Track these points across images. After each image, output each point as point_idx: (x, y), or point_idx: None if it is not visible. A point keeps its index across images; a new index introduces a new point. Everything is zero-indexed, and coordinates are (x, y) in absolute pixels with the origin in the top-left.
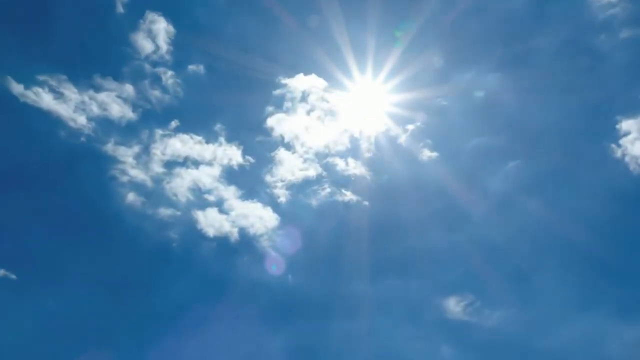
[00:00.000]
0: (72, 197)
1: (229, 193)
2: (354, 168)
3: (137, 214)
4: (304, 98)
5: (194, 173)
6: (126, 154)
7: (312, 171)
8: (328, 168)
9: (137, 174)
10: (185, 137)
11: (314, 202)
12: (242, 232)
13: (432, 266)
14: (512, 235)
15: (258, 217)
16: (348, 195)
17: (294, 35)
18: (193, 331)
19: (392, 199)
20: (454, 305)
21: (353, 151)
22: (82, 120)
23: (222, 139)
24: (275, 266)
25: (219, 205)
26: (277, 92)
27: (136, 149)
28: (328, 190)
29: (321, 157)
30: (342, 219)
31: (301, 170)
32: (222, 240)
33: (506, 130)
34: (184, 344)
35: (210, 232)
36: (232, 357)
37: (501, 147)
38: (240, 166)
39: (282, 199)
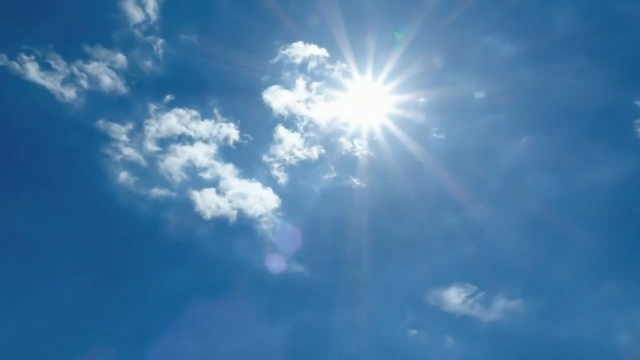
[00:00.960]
0: (60, 177)
1: (226, 172)
2: (359, 149)
3: (130, 194)
4: (303, 68)
5: (189, 150)
6: (119, 131)
7: (315, 151)
8: (331, 148)
9: (130, 152)
10: (181, 111)
11: (316, 185)
12: (241, 213)
13: (436, 252)
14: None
15: (258, 198)
16: (353, 180)
17: (294, 35)
18: (189, 319)
19: (393, 186)
20: (456, 295)
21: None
22: (71, 94)
23: (217, 114)
24: (275, 264)
25: (216, 184)
26: (276, 60)
27: (130, 125)
28: (331, 173)
29: (324, 136)
30: (345, 203)
31: (302, 150)
32: (219, 222)
33: (517, 110)
34: (179, 332)
35: (208, 214)
36: (230, 344)
37: (513, 124)
38: (237, 143)
39: (282, 180)
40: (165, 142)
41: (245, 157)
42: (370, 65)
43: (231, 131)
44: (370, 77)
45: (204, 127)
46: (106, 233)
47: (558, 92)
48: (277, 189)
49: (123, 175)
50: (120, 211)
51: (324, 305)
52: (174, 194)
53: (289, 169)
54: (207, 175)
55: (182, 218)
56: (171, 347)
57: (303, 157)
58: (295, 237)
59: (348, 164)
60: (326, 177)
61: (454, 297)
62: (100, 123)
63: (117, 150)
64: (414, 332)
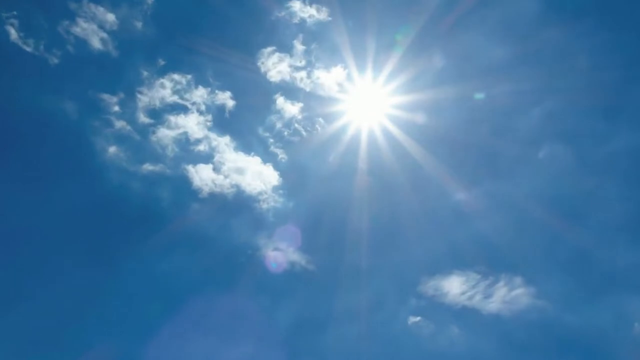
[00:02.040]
0: (45, 153)
1: (222, 144)
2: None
3: (121, 170)
4: (301, 29)
5: (183, 121)
6: (110, 101)
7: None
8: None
9: (122, 124)
10: (175, 76)
11: (317, 162)
12: (238, 190)
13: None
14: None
15: (257, 173)
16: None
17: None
18: (183, 303)
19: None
20: (459, 284)
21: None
22: (55, 60)
23: (212, 80)
24: (275, 264)
25: (211, 157)
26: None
27: (121, 94)
28: (334, 150)
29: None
30: (347, 184)
31: (302, 122)
32: (216, 200)
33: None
34: (173, 315)
35: (204, 191)
36: (227, 327)
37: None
38: (233, 113)
39: (283, 156)
40: (158, 113)
41: (243, 129)
42: (370, 67)
43: (227, 100)
44: (370, 78)
45: (199, 95)
46: (95, 212)
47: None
48: (277, 165)
49: (113, 150)
50: (110, 188)
51: (324, 289)
52: (167, 170)
53: (289, 144)
54: (202, 148)
55: (177, 195)
56: (165, 329)
57: (304, 132)
58: (296, 217)
59: (352, 145)
60: (329, 154)
61: (456, 285)
62: (89, 93)
63: (108, 122)
64: (417, 319)
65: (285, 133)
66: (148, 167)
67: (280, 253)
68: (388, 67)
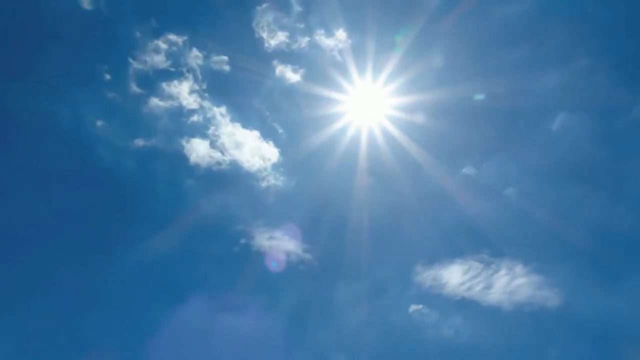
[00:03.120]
0: (31, 127)
1: (218, 115)
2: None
3: (111, 145)
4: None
5: (177, 90)
6: (101, 68)
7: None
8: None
9: (112, 95)
10: (170, 37)
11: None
12: (236, 166)
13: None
14: None
15: (256, 148)
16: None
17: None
18: (177, 285)
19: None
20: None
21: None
22: (39, 20)
23: (208, 42)
24: (275, 263)
25: (206, 129)
26: None
27: (112, 59)
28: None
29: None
30: (351, 165)
31: (303, 88)
32: (211, 176)
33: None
34: (166, 297)
35: (199, 166)
36: (222, 312)
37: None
38: (228, 79)
39: (283, 131)
40: (151, 80)
41: (240, 98)
42: (370, 68)
43: (223, 65)
44: (370, 79)
45: (193, 59)
46: (85, 189)
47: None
48: (277, 140)
49: (102, 124)
50: (100, 165)
51: (324, 276)
52: (160, 145)
53: (288, 118)
54: (196, 119)
55: (171, 172)
56: (159, 311)
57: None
58: (295, 198)
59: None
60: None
61: (457, 274)
62: (78, 58)
63: (96, 92)
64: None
65: (285, 105)
66: (139, 142)
67: (277, 242)
68: (388, 68)
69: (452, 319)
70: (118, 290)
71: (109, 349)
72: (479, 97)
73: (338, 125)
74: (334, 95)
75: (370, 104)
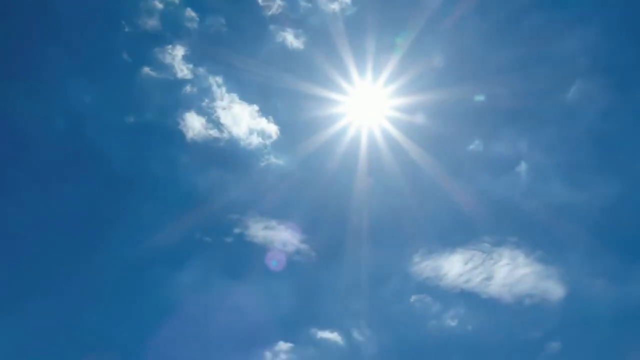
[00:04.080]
0: (15, 101)
1: (215, 86)
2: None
3: (101, 121)
4: None
5: (169, 57)
6: (89, 34)
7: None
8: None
9: (101, 64)
10: None
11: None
12: (232, 142)
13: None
14: None
15: (255, 123)
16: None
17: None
18: (171, 267)
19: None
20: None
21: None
22: None
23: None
24: (275, 262)
25: (201, 102)
26: None
27: (101, 22)
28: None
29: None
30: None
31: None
32: (205, 153)
33: None
34: (161, 280)
35: (195, 144)
36: (217, 297)
37: None
38: (225, 44)
39: (282, 106)
40: (141, 44)
41: (237, 67)
42: (370, 68)
43: (220, 27)
44: (370, 79)
45: (188, 21)
46: (70, 168)
47: None
48: (277, 117)
49: (91, 98)
50: (88, 143)
51: (324, 263)
52: (152, 119)
53: (289, 90)
54: (191, 90)
55: (163, 150)
56: (153, 294)
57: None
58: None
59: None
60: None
61: (457, 264)
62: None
63: (79, 62)
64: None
65: (286, 77)
66: (130, 117)
67: (274, 232)
68: (388, 69)
69: (452, 310)
70: (105, 275)
71: (93, 333)
72: (479, 97)
73: (338, 126)
74: (334, 95)
75: (371, 104)
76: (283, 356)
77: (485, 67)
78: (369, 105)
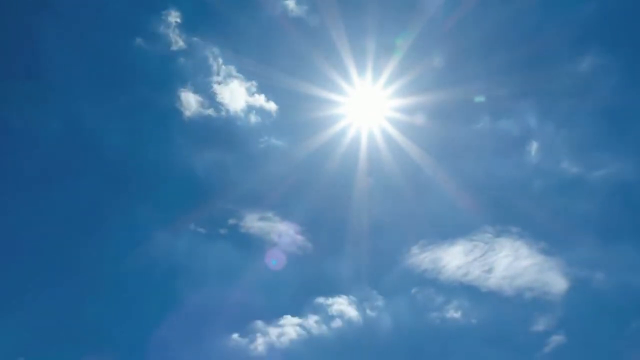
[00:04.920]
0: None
1: (211, 58)
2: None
3: (91, 99)
4: None
5: (165, 26)
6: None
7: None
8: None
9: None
10: None
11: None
12: (227, 118)
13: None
14: None
15: (253, 100)
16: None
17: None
18: (167, 250)
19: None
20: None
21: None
22: None
23: None
24: (275, 261)
25: (196, 75)
26: None
27: None
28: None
29: None
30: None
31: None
32: (203, 132)
33: None
34: (156, 263)
35: (191, 121)
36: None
37: None
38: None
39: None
40: (136, 15)
41: (233, 36)
42: (370, 69)
43: None
44: (370, 80)
45: None
46: (59, 148)
47: None
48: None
49: (80, 70)
50: (80, 122)
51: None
52: (146, 96)
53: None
54: (185, 62)
55: (158, 129)
56: (155, 281)
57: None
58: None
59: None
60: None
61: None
62: None
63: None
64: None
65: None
66: (123, 96)
67: (270, 223)
68: (388, 70)
69: (453, 302)
70: (101, 262)
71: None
72: (479, 99)
73: (337, 127)
74: (334, 96)
75: (371, 105)
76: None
77: (486, 67)
78: (369, 106)
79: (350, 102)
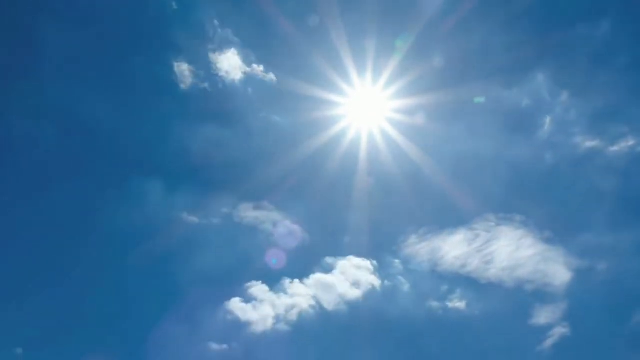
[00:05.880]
0: None
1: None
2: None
3: (81, 77)
4: None
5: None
6: None
7: None
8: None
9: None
10: None
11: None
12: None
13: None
14: None
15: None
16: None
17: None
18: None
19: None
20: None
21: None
22: None
23: None
24: (275, 260)
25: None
26: None
27: None
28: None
29: None
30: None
31: None
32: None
33: None
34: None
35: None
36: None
37: None
38: None
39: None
40: None
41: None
42: (370, 70)
43: None
44: (370, 81)
45: None
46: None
47: None
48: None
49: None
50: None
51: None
52: (143, 66)
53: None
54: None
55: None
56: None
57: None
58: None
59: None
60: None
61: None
62: None
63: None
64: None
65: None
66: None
67: (265, 212)
68: (388, 70)
69: (454, 290)
70: (96, 247)
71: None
72: (479, 99)
73: (338, 128)
74: (334, 97)
75: (371, 106)
76: None
77: (485, 68)
78: (369, 107)
79: (351, 102)
